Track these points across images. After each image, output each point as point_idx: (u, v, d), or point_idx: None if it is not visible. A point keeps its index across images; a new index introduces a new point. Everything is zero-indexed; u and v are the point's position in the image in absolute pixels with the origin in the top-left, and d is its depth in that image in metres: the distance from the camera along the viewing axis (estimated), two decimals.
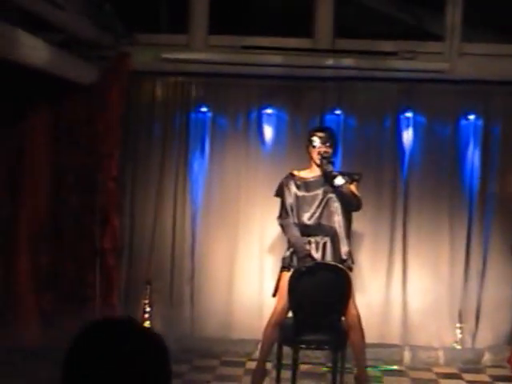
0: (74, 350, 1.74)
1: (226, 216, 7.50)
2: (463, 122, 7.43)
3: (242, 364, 7.22)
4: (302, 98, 7.47)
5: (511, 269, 7.45)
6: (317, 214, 6.23)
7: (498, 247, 7.46)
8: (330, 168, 6.21)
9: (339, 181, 6.16)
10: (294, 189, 6.28)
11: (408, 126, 7.43)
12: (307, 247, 6.17)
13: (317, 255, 6.17)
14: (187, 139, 7.50)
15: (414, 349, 7.45)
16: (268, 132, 7.52)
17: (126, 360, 1.70)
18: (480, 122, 7.42)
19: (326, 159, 6.21)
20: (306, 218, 6.23)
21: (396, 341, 7.46)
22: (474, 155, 7.44)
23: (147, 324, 7.52)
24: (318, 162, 6.23)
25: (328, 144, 6.24)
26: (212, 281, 7.53)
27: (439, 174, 7.40)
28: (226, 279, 7.49)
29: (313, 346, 6.36)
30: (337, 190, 6.18)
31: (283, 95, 7.49)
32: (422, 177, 7.44)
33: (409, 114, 7.42)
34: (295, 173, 6.36)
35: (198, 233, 7.52)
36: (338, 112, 7.45)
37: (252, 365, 6.93)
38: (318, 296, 6.08)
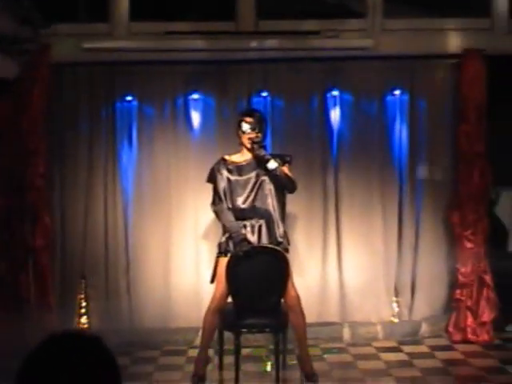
0: (27, 366, 1.71)
1: (158, 205, 7.42)
2: (389, 97, 7.50)
3: (184, 352, 7.18)
4: (228, 82, 7.42)
5: (443, 240, 7.57)
6: (251, 198, 6.20)
7: (429, 220, 7.56)
8: (261, 152, 6.19)
9: (272, 164, 6.14)
10: (226, 173, 6.24)
11: (335, 105, 7.46)
12: (243, 231, 6.15)
13: (253, 238, 6.15)
14: (114, 130, 7.38)
15: (352, 325, 7.51)
16: (196, 118, 7.45)
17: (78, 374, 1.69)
18: (406, 97, 7.49)
19: (257, 144, 6.19)
20: (239, 201, 6.20)
21: (335, 318, 7.51)
22: (401, 130, 7.52)
23: (84, 319, 7.42)
24: (249, 146, 6.21)
25: (257, 129, 6.21)
26: (148, 271, 7.45)
27: (368, 151, 7.45)
28: (162, 269, 7.43)
29: (254, 330, 6.36)
30: (271, 173, 6.17)
31: (209, 80, 7.42)
32: (352, 154, 7.48)
33: (335, 93, 7.44)
34: (226, 157, 6.32)
35: (130, 224, 7.43)
36: (264, 94, 7.42)
37: (193, 353, 6.90)
38: (257, 279, 6.08)
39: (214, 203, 6.26)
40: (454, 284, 7.48)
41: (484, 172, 7.31)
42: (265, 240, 6.16)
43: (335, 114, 7.46)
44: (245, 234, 6.13)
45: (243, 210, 6.19)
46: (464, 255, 7.35)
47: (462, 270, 7.36)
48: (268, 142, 7.06)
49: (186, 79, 7.40)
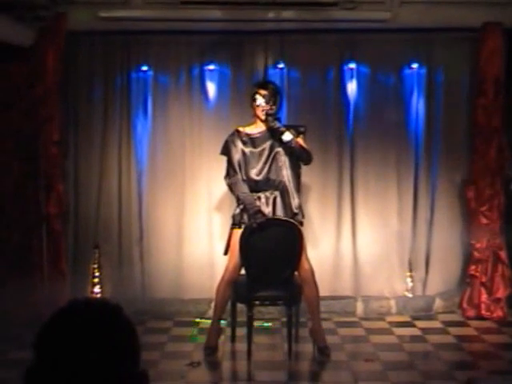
0: (47, 332, 1.68)
1: (172, 175, 7.40)
2: (407, 71, 7.43)
3: (196, 324, 7.19)
4: (244, 53, 7.37)
5: (459, 216, 7.53)
6: (265, 169, 6.18)
7: (444, 194, 7.52)
8: (276, 125, 6.16)
9: (287, 136, 6.11)
10: (240, 145, 6.21)
11: (352, 77, 7.39)
12: (257, 203, 6.13)
13: (267, 210, 6.14)
14: (129, 99, 7.35)
15: (366, 299, 7.51)
16: (211, 88, 7.41)
17: (98, 345, 1.66)
18: (423, 71, 7.42)
19: (272, 116, 6.15)
20: (254, 173, 6.18)
21: (348, 292, 7.50)
22: (418, 104, 7.45)
23: (97, 288, 7.43)
24: (263, 118, 6.17)
25: (271, 102, 6.17)
26: (161, 241, 7.45)
27: (384, 124, 7.40)
28: (176, 239, 7.42)
29: (267, 302, 6.37)
30: (286, 145, 6.13)
31: (225, 50, 7.37)
32: (368, 127, 7.43)
33: (352, 65, 7.37)
34: (240, 129, 6.29)
35: (144, 193, 7.42)
36: (280, 65, 7.36)
37: (205, 324, 6.93)
38: (270, 252, 6.08)
39: (228, 175, 6.24)
40: (468, 260, 7.45)
41: (501, 147, 7.25)
42: (280, 212, 6.15)
43: (351, 87, 7.40)
44: (259, 206, 6.11)
45: (258, 181, 6.17)
46: (479, 231, 7.31)
47: (477, 245, 7.33)
48: (283, 113, 7.06)
49: (201, 49, 7.34)
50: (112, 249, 7.44)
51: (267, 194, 6.18)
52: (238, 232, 6.12)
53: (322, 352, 6.26)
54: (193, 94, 7.39)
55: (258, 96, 6.18)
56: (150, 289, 7.46)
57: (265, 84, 6.43)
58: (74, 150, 7.36)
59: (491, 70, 7.18)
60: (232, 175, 6.20)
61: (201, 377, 5.97)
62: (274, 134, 6.17)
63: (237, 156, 6.19)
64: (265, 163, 6.20)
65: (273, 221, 6.09)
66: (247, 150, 6.21)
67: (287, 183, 6.17)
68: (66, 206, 7.18)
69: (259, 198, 6.16)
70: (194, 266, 7.38)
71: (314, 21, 7.13)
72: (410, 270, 7.60)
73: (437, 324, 7.24)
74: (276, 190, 6.17)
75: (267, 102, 6.17)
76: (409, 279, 7.61)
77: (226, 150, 6.26)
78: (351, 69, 7.38)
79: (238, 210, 6.20)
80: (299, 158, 6.21)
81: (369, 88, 7.42)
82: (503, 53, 7.17)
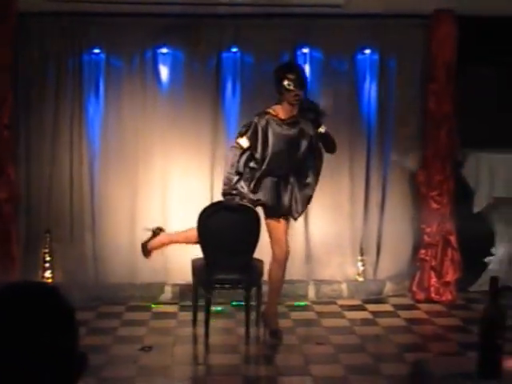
0: None
1: (125, 159, 7.35)
2: (359, 56, 7.46)
3: (148, 308, 7.18)
4: (198, 37, 7.31)
5: (410, 200, 7.61)
6: (287, 154, 6.22)
7: (396, 180, 7.59)
8: (311, 116, 6.19)
9: (323, 128, 6.19)
10: (268, 127, 6.19)
11: (305, 62, 7.40)
12: (233, 185, 6.17)
13: (284, 199, 6.20)
14: (81, 83, 7.26)
15: (318, 283, 7.55)
16: (164, 72, 7.35)
17: (34, 326, 1.67)
18: (376, 56, 7.46)
19: (306, 103, 6.19)
20: (279, 158, 6.19)
21: (300, 276, 7.52)
22: (371, 89, 7.50)
23: (48, 273, 7.37)
24: (295, 103, 6.16)
25: (300, 86, 6.14)
26: (113, 226, 7.40)
27: (337, 109, 7.40)
28: (128, 224, 7.37)
29: (227, 286, 6.37)
30: (322, 136, 6.20)
31: (178, 34, 7.30)
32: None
33: (305, 50, 7.38)
34: (271, 111, 6.26)
35: (96, 178, 7.35)
36: (234, 49, 7.34)
37: (158, 308, 6.95)
38: (228, 235, 6.11)
39: (237, 145, 6.21)
40: (419, 244, 7.54)
41: (451, 132, 7.34)
42: (296, 198, 6.23)
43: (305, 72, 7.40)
44: (232, 189, 6.14)
45: (280, 167, 6.19)
46: (430, 215, 7.40)
47: (428, 230, 7.42)
48: (237, 98, 7.09)
49: (155, 32, 7.27)
50: (64, 233, 7.37)
51: (288, 178, 6.23)
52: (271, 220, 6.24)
53: (274, 335, 6.30)
54: (146, 78, 7.33)
55: (286, 82, 6.11)
56: (102, 274, 7.42)
57: (292, 67, 6.37)
58: (25, 133, 7.26)
59: (443, 56, 7.25)
60: (236, 148, 6.21)
61: (153, 361, 5.96)
62: (306, 121, 6.21)
63: (262, 137, 6.17)
64: (290, 150, 6.21)
65: (230, 205, 6.14)
66: (276, 133, 6.19)
67: (306, 170, 6.30)
68: (17, 190, 7.09)
69: (278, 183, 6.18)
70: None
71: (269, 5, 7.14)
72: (362, 254, 7.66)
73: (387, 307, 7.33)
74: (294, 175, 6.25)
75: (296, 87, 6.12)
76: (360, 263, 7.68)
77: (252, 130, 6.19)
78: (304, 53, 7.39)
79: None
80: (329, 148, 6.34)
81: (322, 73, 7.43)
82: (455, 39, 7.23)
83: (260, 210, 6.30)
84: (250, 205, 6.13)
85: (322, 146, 6.32)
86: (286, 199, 6.22)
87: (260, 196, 6.19)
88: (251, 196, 6.17)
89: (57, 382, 1.67)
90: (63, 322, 1.71)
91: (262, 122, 6.17)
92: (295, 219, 6.46)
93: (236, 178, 6.17)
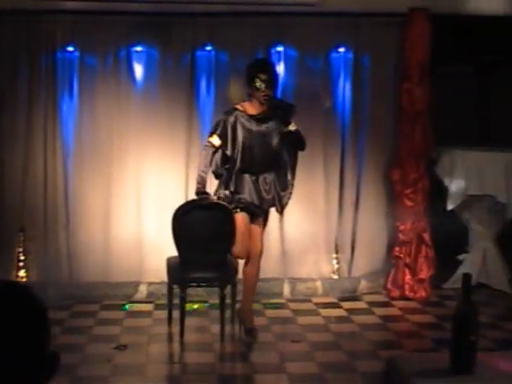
0: None
1: (99, 158, 7.32)
2: (334, 54, 7.48)
3: (123, 307, 7.16)
4: (173, 35, 7.29)
5: (384, 198, 7.64)
6: (261, 151, 6.23)
7: (370, 178, 7.62)
8: (280, 114, 6.22)
9: (293, 126, 6.23)
10: (238, 124, 6.20)
11: (279, 60, 7.40)
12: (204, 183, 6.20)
13: (265, 194, 6.24)
14: (55, 81, 7.22)
15: (292, 281, 7.57)
16: (138, 70, 7.33)
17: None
18: (350, 55, 7.48)
19: (273, 101, 6.22)
20: (249, 155, 6.21)
21: (275, 274, 7.53)
22: (345, 87, 7.52)
23: (22, 272, 7.32)
24: (263, 102, 6.17)
25: (271, 86, 6.17)
26: (88, 225, 7.36)
27: (312, 107, 7.42)
28: (103, 222, 7.35)
29: (202, 284, 6.37)
30: (290, 134, 6.24)
31: (153, 32, 7.28)
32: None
33: (280, 48, 7.39)
34: (240, 108, 6.27)
35: (70, 176, 7.31)
36: (208, 48, 7.33)
37: (132, 307, 6.93)
38: (203, 234, 6.09)
39: (209, 144, 6.23)
40: (393, 242, 7.57)
41: (425, 131, 7.38)
42: (274, 193, 6.28)
43: (279, 70, 7.39)
44: (203, 188, 6.17)
45: (254, 163, 6.21)
46: (404, 213, 7.44)
47: (402, 227, 7.45)
48: (212, 97, 7.09)
49: (129, 30, 7.24)
50: (38, 232, 7.33)
51: (265, 175, 6.25)
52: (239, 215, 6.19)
53: (249, 333, 6.30)
54: (120, 76, 7.31)
55: (257, 81, 6.12)
56: (76, 272, 7.38)
57: (265, 67, 6.34)
58: None
59: (416, 54, 7.28)
60: (208, 147, 6.23)
61: (128, 360, 5.94)
62: (277, 119, 6.23)
63: (231, 134, 6.19)
64: (261, 145, 6.22)
65: (204, 204, 6.13)
66: (246, 129, 6.20)
67: (283, 165, 6.34)
68: None
69: (257, 180, 6.20)
70: (121, 249, 7.33)
71: (243, 3, 7.11)
72: (336, 252, 7.69)
73: (362, 305, 7.36)
74: (271, 173, 6.29)
75: (267, 88, 6.14)
76: (335, 261, 7.71)
77: (221, 127, 6.21)
78: (279, 52, 7.40)
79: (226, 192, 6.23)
80: (298, 146, 6.36)
81: (296, 71, 7.44)
82: (428, 38, 7.27)
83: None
84: (222, 203, 6.13)
85: (291, 144, 6.34)
86: (269, 197, 6.26)
87: (246, 196, 6.21)
88: (236, 197, 6.19)
89: (27, 382, 1.65)
90: (34, 321, 1.70)
91: (231, 119, 6.19)
92: (280, 213, 6.56)
93: (210, 182, 6.23)
